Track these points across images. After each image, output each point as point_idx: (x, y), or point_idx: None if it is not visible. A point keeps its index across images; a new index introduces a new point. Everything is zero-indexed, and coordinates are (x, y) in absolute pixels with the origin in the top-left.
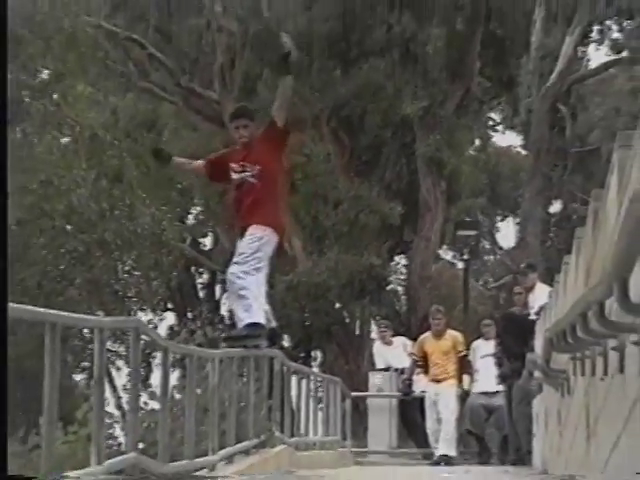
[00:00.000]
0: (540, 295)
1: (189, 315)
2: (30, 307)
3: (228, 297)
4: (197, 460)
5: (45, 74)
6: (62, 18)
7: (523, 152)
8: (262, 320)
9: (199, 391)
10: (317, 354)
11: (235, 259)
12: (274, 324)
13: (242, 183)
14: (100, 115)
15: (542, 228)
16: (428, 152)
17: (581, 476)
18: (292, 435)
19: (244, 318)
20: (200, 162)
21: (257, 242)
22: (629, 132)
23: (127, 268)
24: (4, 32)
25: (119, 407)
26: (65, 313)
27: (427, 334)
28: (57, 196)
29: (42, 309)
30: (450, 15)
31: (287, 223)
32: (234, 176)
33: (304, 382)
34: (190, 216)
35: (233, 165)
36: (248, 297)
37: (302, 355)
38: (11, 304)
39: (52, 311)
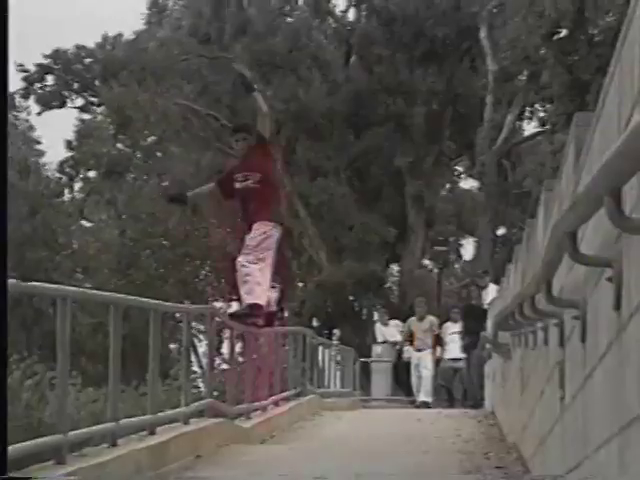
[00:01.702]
0: (491, 292)
1: None
2: (141, 299)
3: (238, 282)
4: (253, 404)
5: (149, 140)
6: (159, 101)
7: (479, 193)
8: (262, 302)
9: (255, 356)
10: (336, 332)
11: (243, 250)
12: (274, 309)
13: (246, 189)
14: (187, 167)
15: (492, 246)
16: (414, 192)
17: (560, 476)
18: (319, 387)
19: (246, 299)
20: (211, 185)
21: (260, 236)
22: (551, 180)
23: (205, 272)
24: (4, 32)
25: (200, 367)
26: (165, 302)
27: (412, 318)
28: (157, 223)
29: (150, 300)
30: (428, 99)
31: (285, 217)
32: (237, 185)
33: (327, 351)
34: None
35: (236, 176)
36: (250, 282)
37: (326, 332)
38: (123, 295)
39: (156, 301)
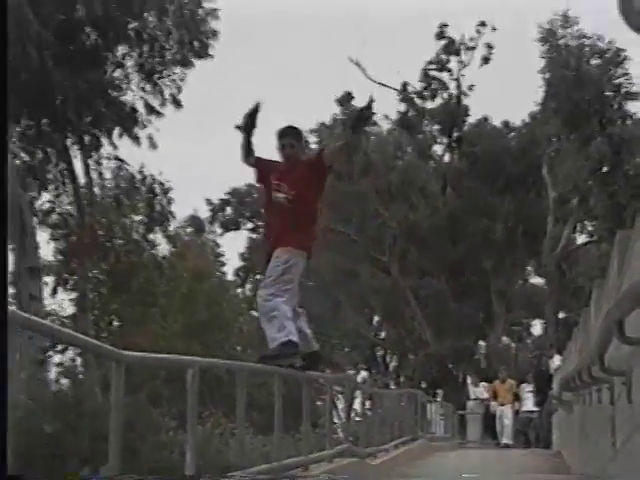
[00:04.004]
0: (555, 360)
1: (372, 371)
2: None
3: (260, 321)
4: (381, 447)
5: None
6: None
7: (544, 287)
8: (296, 339)
9: (380, 411)
10: (439, 391)
11: (262, 283)
12: (316, 347)
13: (277, 203)
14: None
15: (555, 326)
16: (496, 287)
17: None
18: (427, 433)
19: (277, 337)
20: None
21: (282, 265)
22: (600, 280)
23: (345, 350)
24: (4, 32)
25: (339, 419)
26: (314, 373)
27: (497, 380)
28: None
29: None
30: (506, 218)
31: (314, 247)
32: (272, 194)
33: (433, 406)
34: (375, 318)
35: (274, 182)
36: (279, 317)
37: (432, 392)
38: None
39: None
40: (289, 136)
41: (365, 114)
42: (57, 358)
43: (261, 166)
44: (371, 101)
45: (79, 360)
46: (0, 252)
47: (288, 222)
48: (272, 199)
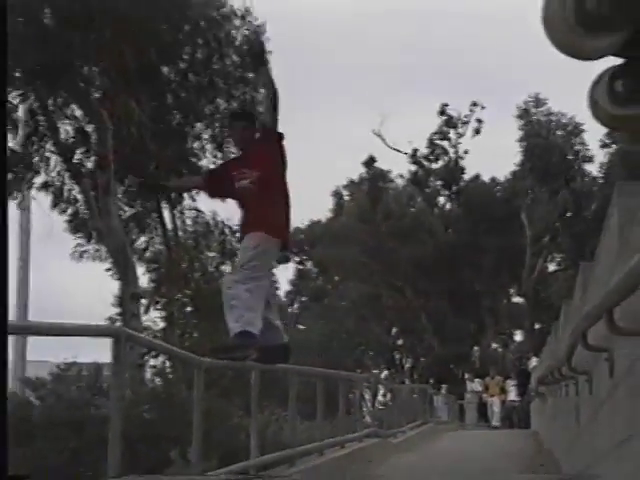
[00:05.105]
0: (533, 362)
1: (392, 371)
2: (332, 371)
3: (224, 308)
4: (399, 429)
5: (336, 278)
6: (344, 256)
7: (524, 304)
8: (254, 330)
9: (398, 401)
10: (444, 386)
11: (230, 270)
12: (286, 339)
13: (243, 190)
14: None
15: (532, 334)
16: (487, 305)
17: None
18: (435, 418)
19: (233, 328)
20: (196, 178)
21: (252, 251)
22: (567, 299)
23: (370, 354)
24: (4, 32)
25: (367, 408)
26: (346, 372)
27: (488, 377)
28: (341, 325)
29: (340, 372)
30: (492, 252)
31: (288, 231)
32: (236, 185)
33: (438, 397)
34: (393, 330)
35: (234, 174)
36: (238, 306)
37: (437, 386)
38: (325, 370)
39: (343, 372)
40: (243, 119)
41: (258, 53)
42: (151, 362)
43: (213, 179)
44: (261, 43)
45: (168, 364)
46: (2, 264)
47: (257, 206)
48: (237, 189)
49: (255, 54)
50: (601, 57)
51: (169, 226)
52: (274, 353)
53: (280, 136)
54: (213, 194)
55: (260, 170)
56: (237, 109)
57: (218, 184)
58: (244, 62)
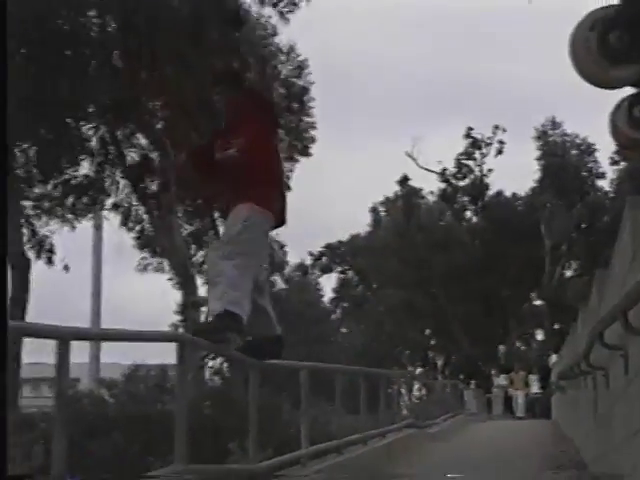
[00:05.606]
0: (553, 358)
1: (426, 368)
2: (372, 370)
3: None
4: (434, 420)
5: (375, 286)
6: (385, 264)
7: (544, 306)
8: (239, 312)
9: (432, 395)
10: (472, 381)
11: (215, 245)
12: (279, 331)
13: (226, 160)
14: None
15: (552, 334)
16: (511, 309)
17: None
18: (465, 410)
19: (214, 309)
20: (181, 156)
21: (241, 223)
22: (584, 302)
23: (406, 353)
24: (4, 32)
25: (404, 402)
26: (383, 370)
27: (512, 372)
28: (380, 329)
29: (379, 370)
30: (516, 261)
31: (283, 206)
32: (217, 155)
33: (469, 392)
34: (427, 331)
35: (219, 143)
36: (222, 283)
37: (467, 382)
38: (367, 368)
39: (382, 370)
40: (227, 84)
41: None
42: (210, 363)
43: (198, 154)
44: (237, 12)
45: (226, 364)
46: (2, 265)
47: (245, 175)
48: (223, 160)
49: (231, 19)
50: (622, 86)
51: None
52: (266, 347)
53: (268, 100)
54: (199, 171)
55: (245, 136)
56: (223, 69)
57: (202, 158)
58: (290, 94)
